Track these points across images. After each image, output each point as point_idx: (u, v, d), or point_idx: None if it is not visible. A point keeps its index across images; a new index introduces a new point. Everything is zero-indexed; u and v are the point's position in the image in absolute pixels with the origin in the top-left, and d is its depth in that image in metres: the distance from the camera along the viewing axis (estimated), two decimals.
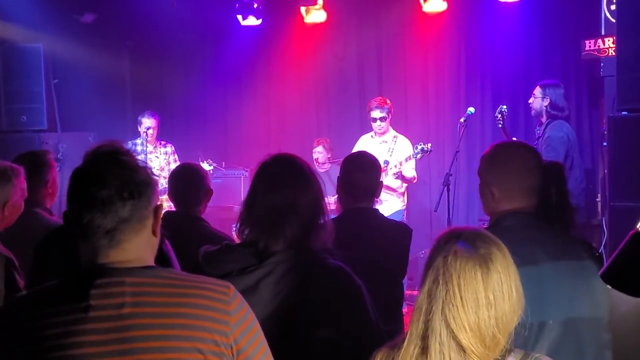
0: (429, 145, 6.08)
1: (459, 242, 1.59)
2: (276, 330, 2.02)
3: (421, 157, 6.14)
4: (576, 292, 2.14)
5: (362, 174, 3.26)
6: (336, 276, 2.15)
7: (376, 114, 6.31)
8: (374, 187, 3.28)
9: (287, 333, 2.06)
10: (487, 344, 1.54)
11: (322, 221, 2.20)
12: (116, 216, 1.55)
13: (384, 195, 6.27)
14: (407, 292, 6.81)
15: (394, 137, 6.38)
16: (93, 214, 1.55)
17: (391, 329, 2.94)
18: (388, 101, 6.42)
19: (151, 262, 1.65)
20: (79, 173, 1.62)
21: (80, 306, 1.52)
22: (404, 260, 3.28)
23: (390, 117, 6.37)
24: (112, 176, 1.56)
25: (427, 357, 1.57)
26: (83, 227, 1.56)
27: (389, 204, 6.29)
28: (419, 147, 6.07)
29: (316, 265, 2.15)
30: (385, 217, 3.50)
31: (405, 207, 6.51)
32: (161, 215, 1.66)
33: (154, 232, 1.65)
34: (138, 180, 1.59)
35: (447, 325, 1.54)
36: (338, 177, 3.30)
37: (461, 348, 1.54)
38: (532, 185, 2.31)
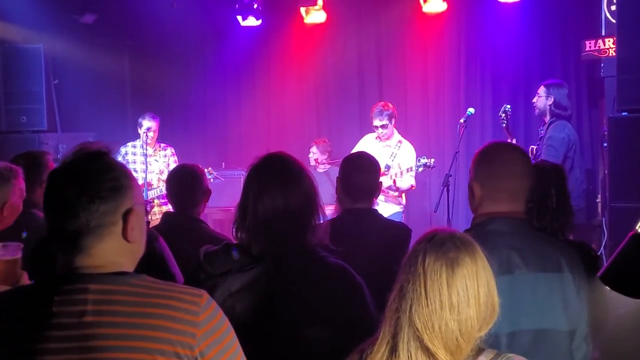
0: (432, 160, 6.03)
1: (431, 243, 1.60)
2: (273, 329, 2.02)
3: (422, 171, 6.10)
4: (550, 303, 2.11)
5: (361, 175, 3.26)
6: (336, 274, 2.15)
7: (376, 122, 6.26)
8: (373, 188, 3.29)
9: (284, 331, 2.06)
10: (449, 348, 1.53)
11: (316, 218, 2.20)
12: (77, 220, 1.52)
13: (380, 197, 6.25)
14: None
15: (399, 142, 6.29)
16: (56, 216, 1.54)
17: None
18: (390, 106, 6.33)
19: (126, 268, 1.59)
20: (50, 175, 1.61)
21: (43, 312, 1.49)
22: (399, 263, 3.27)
23: (392, 122, 6.28)
24: (76, 179, 1.53)
25: (396, 356, 1.57)
26: (50, 229, 1.55)
27: (385, 206, 6.27)
28: (422, 161, 6.02)
29: (314, 264, 2.15)
30: (385, 218, 3.51)
31: (403, 209, 6.45)
32: (134, 220, 1.59)
33: (125, 238, 1.58)
34: (103, 185, 1.54)
35: (413, 325, 1.55)
36: (337, 177, 3.30)
37: (426, 349, 1.54)
38: (516, 188, 2.25)
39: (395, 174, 6.14)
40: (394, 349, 1.57)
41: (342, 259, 2.23)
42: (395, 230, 3.36)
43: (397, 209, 6.35)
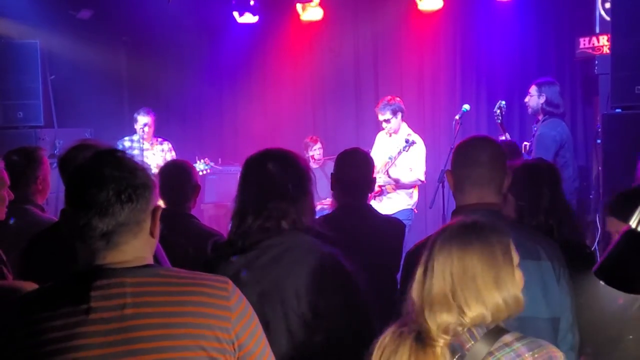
0: (411, 138, 6.04)
1: (446, 232, 1.72)
2: (263, 311, 2.06)
3: (409, 150, 6.06)
4: (528, 290, 2.14)
5: (354, 170, 3.29)
6: (324, 261, 2.20)
7: (379, 116, 6.28)
8: (367, 183, 3.32)
9: (272, 313, 2.13)
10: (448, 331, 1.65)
11: (308, 204, 2.30)
12: (114, 219, 1.53)
13: (390, 192, 6.25)
14: None
15: (408, 135, 6.21)
16: (90, 217, 1.53)
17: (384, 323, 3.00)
18: (397, 99, 6.28)
19: (150, 261, 1.63)
20: (77, 173, 1.60)
21: (80, 308, 1.50)
22: (397, 255, 3.32)
23: (398, 115, 6.22)
24: (110, 178, 1.54)
25: (402, 338, 1.70)
26: (80, 228, 1.54)
27: (394, 202, 6.24)
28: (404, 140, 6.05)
29: (305, 250, 2.21)
30: (379, 213, 3.55)
31: (414, 206, 6.38)
32: (159, 217, 1.65)
33: (151, 234, 1.63)
34: (137, 183, 1.56)
35: (416, 309, 1.69)
36: (332, 173, 3.32)
37: (422, 340, 1.67)
38: (481, 176, 2.28)
39: (386, 164, 6.12)
40: (400, 332, 1.70)
41: (337, 245, 2.29)
42: (389, 225, 3.40)
43: (404, 205, 6.26)
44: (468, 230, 1.71)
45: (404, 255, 3.47)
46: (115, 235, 1.55)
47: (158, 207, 1.64)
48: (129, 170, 1.57)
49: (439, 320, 1.65)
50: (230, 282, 1.64)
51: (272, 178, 2.25)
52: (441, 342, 1.64)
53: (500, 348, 1.64)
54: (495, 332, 1.67)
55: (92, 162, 1.59)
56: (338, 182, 3.30)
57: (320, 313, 2.14)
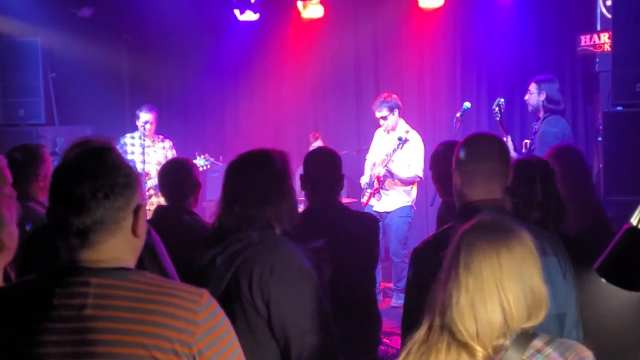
0: (406, 135, 6.07)
1: (473, 233, 1.65)
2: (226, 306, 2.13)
3: (402, 147, 6.07)
4: None
5: (320, 169, 3.32)
6: (275, 255, 2.27)
7: (376, 114, 6.34)
8: (335, 180, 3.34)
9: (233, 309, 2.20)
10: (488, 335, 1.57)
11: (284, 201, 2.39)
12: (89, 217, 1.52)
13: (388, 189, 6.26)
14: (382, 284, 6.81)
15: (406, 132, 6.26)
16: (66, 213, 1.53)
17: (359, 321, 3.06)
18: (393, 96, 6.35)
19: (128, 263, 1.61)
20: (58, 169, 1.60)
21: (43, 304, 1.50)
22: (371, 250, 3.37)
23: (395, 112, 6.30)
24: (88, 175, 1.53)
25: (430, 340, 1.62)
26: (58, 224, 1.55)
27: (393, 199, 6.26)
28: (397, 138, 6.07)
29: (268, 244, 2.29)
30: (349, 209, 3.60)
31: (412, 203, 6.42)
32: (142, 216, 1.62)
33: (134, 233, 1.60)
34: (116, 181, 1.55)
35: (451, 314, 1.59)
36: (300, 174, 3.36)
37: (459, 342, 1.58)
38: (491, 170, 2.30)
39: (383, 161, 6.12)
40: (442, 328, 1.62)
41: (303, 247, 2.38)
42: (361, 220, 3.45)
43: (403, 202, 6.30)
44: (500, 229, 1.66)
45: (406, 254, 3.53)
46: (91, 233, 1.53)
47: (140, 205, 1.61)
48: (109, 168, 1.56)
49: (482, 331, 1.57)
50: (206, 295, 1.58)
51: (242, 185, 2.36)
52: (480, 354, 1.58)
53: (533, 355, 1.60)
54: (524, 338, 1.61)
55: (75, 159, 1.59)
56: (307, 182, 3.34)
57: (272, 305, 2.21)
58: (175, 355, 1.50)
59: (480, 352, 1.57)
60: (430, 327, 1.64)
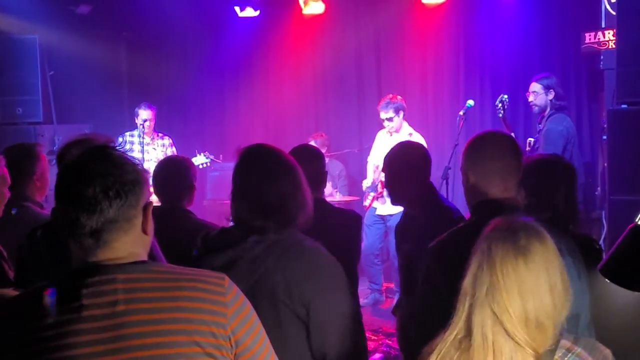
0: (408, 138, 6.00)
1: (503, 231, 1.63)
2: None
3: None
4: None
5: (303, 166, 3.32)
6: (309, 254, 2.25)
7: (382, 114, 6.31)
8: (317, 177, 3.34)
9: (263, 307, 2.12)
10: (531, 331, 1.56)
11: (300, 201, 2.36)
12: (102, 216, 1.51)
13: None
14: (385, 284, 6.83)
15: (409, 134, 6.23)
16: (78, 213, 1.51)
17: None
18: (398, 98, 6.32)
19: (143, 258, 1.61)
20: (66, 169, 1.58)
21: (72, 306, 1.49)
22: (353, 248, 3.38)
23: (400, 114, 6.27)
24: (98, 175, 1.52)
25: (470, 340, 1.60)
26: (69, 226, 1.53)
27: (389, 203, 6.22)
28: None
29: (292, 244, 2.26)
30: (333, 206, 3.60)
31: None
32: (150, 213, 1.62)
33: (144, 230, 1.61)
34: (126, 179, 1.54)
35: (491, 310, 1.57)
36: None
37: (506, 333, 1.56)
38: (506, 166, 2.31)
39: (378, 166, 6.08)
40: (468, 332, 1.61)
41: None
42: (343, 218, 3.45)
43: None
44: (527, 229, 1.65)
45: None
46: (104, 232, 1.52)
47: (149, 203, 1.61)
48: (118, 166, 1.55)
49: (522, 337, 1.56)
50: (226, 278, 1.62)
51: (253, 192, 2.30)
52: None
53: (564, 355, 1.60)
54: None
55: (80, 158, 1.57)
56: None
57: (308, 304, 2.18)
58: (213, 337, 1.53)
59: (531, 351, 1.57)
60: (468, 327, 1.62)
